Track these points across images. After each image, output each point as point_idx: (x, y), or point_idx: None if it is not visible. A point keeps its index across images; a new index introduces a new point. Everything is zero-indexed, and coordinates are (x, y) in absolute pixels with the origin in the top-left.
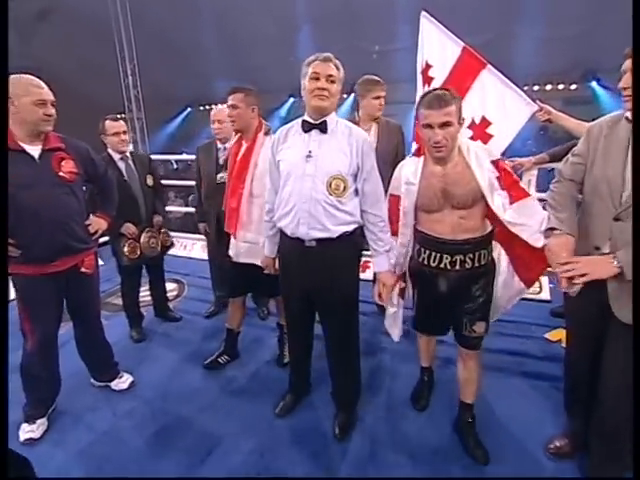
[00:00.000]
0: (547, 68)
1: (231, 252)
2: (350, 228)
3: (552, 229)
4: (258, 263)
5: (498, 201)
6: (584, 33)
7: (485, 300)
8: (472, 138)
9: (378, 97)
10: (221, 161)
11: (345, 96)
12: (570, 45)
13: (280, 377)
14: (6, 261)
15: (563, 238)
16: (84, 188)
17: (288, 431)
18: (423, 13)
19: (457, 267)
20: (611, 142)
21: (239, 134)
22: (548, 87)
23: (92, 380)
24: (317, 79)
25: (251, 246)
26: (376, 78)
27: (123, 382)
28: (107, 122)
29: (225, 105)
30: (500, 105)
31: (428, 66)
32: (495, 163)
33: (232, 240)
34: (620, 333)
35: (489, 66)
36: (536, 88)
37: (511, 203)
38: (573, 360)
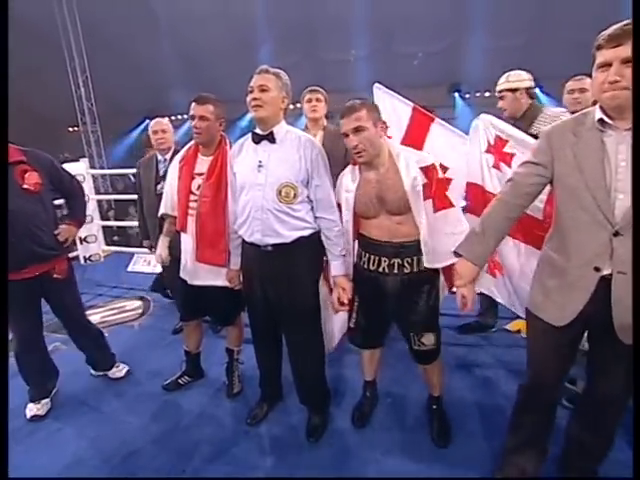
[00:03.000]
0: (497, 75)
1: (184, 274)
2: (306, 233)
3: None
4: (219, 284)
5: (420, 208)
6: (528, 43)
7: (430, 309)
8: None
9: (310, 100)
10: (161, 172)
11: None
12: (516, 54)
13: (251, 386)
14: (6, 261)
15: (470, 265)
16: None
17: (262, 439)
18: (376, 85)
19: (395, 271)
20: (581, 151)
21: (195, 145)
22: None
23: (91, 370)
24: (252, 92)
25: (211, 267)
26: (312, 87)
27: (119, 371)
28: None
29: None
30: (451, 150)
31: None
32: (424, 170)
33: (185, 260)
34: (622, 355)
35: (437, 119)
36: (487, 94)
37: (434, 212)
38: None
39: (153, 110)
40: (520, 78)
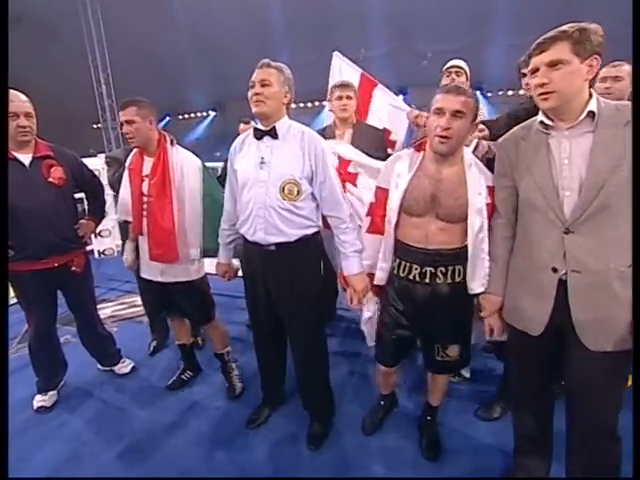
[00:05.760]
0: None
1: (145, 273)
2: (310, 231)
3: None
4: (179, 280)
5: (477, 224)
6: None
7: (461, 322)
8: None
9: (340, 98)
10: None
11: (324, 104)
12: None
13: (253, 388)
14: (6, 261)
15: (491, 297)
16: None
17: (262, 444)
18: (335, 53)
19: (427, 280)
20: (529, 154)
21: (138, 149)
22: (521, 91)
23: (98, 365)
24: (253, 86)
25: (169, 265)
26: (341, 81)
27: (125, 367)
28: (241, 125)
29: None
30: (391, 113)
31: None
32: (490, 189)
33: (145, 259)
34: (593, 361)
35: (379, 84)
36: (510, 93)
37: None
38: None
39: (175, 107)
40: None
